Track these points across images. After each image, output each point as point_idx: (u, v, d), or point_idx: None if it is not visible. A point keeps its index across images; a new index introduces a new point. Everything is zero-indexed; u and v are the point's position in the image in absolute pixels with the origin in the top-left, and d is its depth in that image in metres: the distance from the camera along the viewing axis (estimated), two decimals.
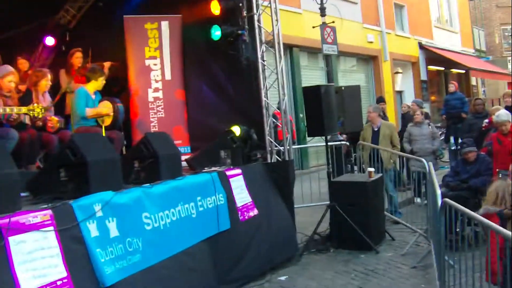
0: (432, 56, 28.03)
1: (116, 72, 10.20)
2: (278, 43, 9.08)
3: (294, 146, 9.82)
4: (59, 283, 4.39)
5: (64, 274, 4.44)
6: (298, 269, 8.25)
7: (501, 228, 4.72)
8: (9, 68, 7.73)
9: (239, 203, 7.49)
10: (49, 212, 4.55)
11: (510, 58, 37.92)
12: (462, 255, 5.94)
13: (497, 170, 8.77)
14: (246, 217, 7.59)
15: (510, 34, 38.32)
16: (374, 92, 23.43)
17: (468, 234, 6.31)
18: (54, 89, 8.95)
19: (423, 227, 9.38)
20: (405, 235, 9.84)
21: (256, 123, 9.08)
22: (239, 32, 9.11)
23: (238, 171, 7.84)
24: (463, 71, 32.11)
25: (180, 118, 10.42)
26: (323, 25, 13.24)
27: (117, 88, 9.72)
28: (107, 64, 9.86)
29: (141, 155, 6.71)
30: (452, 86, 17.37)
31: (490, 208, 6.31)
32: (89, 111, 8.23)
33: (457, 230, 6.26)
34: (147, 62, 10.38)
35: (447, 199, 5.99)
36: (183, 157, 8.10)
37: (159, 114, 10.32)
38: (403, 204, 11.77)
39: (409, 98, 25.69)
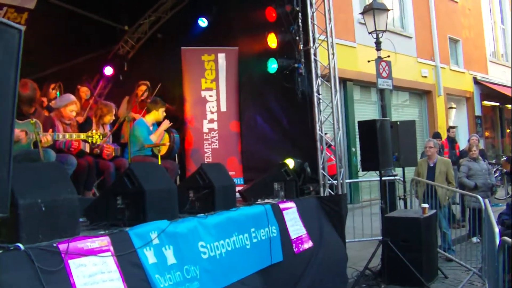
0: (487, 91, 27.67)
1: (173, 112, 10.34)
2: (334, 77, 9.10)
3: (347, 180, 9.74)
4: None
5: None
6: None
7: None
8: (72, 97, 7.94)
9: (293, 235, 7.45)
10: (107, 238, 4.59)
11: None
12: None
13: None
14: (301, 249, 7.54)
15: None
16: (427, 127, 23.22)
17: None
18: None
19: (478, 266, 9.21)
20: (458, 273, 9.68)
21: (310, 156, 9.08)
22: (295, 65, 9.16)
23: (292, 204, 7.83)
24: None
25: (234, 150, 10.50)
26: (379, 59, 13.19)
27: (173, 122, 9.84)
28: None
29: (197, 185, 6.75)
30: None
31: None
32: (153, 137, 8.40)
33: None
34: (203, 93, 10.52)
35: (506, 238, 5.86)
36: (237, 188, 8.14)
37: (213, 145, 10.41)
38: (457, 241, 11.58)
39: (463, 134, 25.39)
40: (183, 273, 5.23)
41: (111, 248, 4.56)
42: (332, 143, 9.45)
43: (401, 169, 11.10)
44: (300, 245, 7.56)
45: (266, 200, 7.63)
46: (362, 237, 10.98)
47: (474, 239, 11.24)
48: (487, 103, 28.82)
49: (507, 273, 6.09)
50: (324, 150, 9.09)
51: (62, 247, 4.15)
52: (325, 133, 9.23)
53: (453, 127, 18.56)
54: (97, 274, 4.30)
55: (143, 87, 10.15)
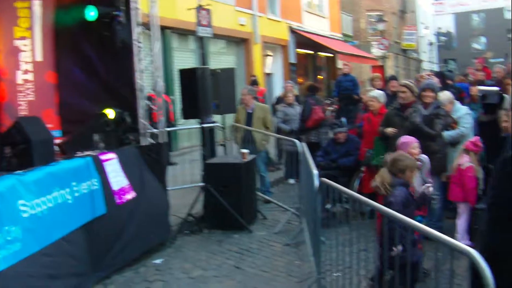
0: (301, 40, 28.79)
1: None
2: (155, 25, 9.04)
3: (167, 129, 9.80)
4: None
5: None
6: (172, 252, 8.34)
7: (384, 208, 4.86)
8: None
9: (115, 187, 7.44)
10: None
11: (374, 42, 39.50)
12: (333, 231, 6.27)
13: (365, 149, 9.29)
14: (124, 200, 7.56)
15: (375, 20, 39.86)
16: (244, 74, 23.71)
17: (339, 211, 6.65)
18: None
19: (294, 206, 9.68)
20: (277, 214, 10.19)
21: (130, 106, 9.00)
22: (115, 13, 8.94)
23: (113, 155, 7.76)
24: (331, 55, 33.20)
25: (50, 101, 10.07)
26: (199, 8, 13.24)
27: None
28: None
29: (13, 141, 6.52)
30: (346, 68, 17.23)
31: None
32: None
33: (327, 207, 6.58)
34: (17, 42, 9.92)
35: (324, 179, 6.21)
36: (55, 142, 7.92)
37: (29, 97, 9.90)
38: (274, 183, 12.09)
39: (278, 80, 26.29)
40: (3, 235, 5.09)
41: None
42: (152, 92, 9.44)
43: (219, 116, 11.31)
44: (122, 196, 7.57)
45: (86, 153, 7.48)
46: (183, 184, 11.11)
47: (291, 181, 11.78)
48: (301, 51, 29.97)
49: (323, 211, 6.52)
50: (144, 99, 9.06)
51: None
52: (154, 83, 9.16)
53: (254, 75, 19.34)
54: None
55: None
